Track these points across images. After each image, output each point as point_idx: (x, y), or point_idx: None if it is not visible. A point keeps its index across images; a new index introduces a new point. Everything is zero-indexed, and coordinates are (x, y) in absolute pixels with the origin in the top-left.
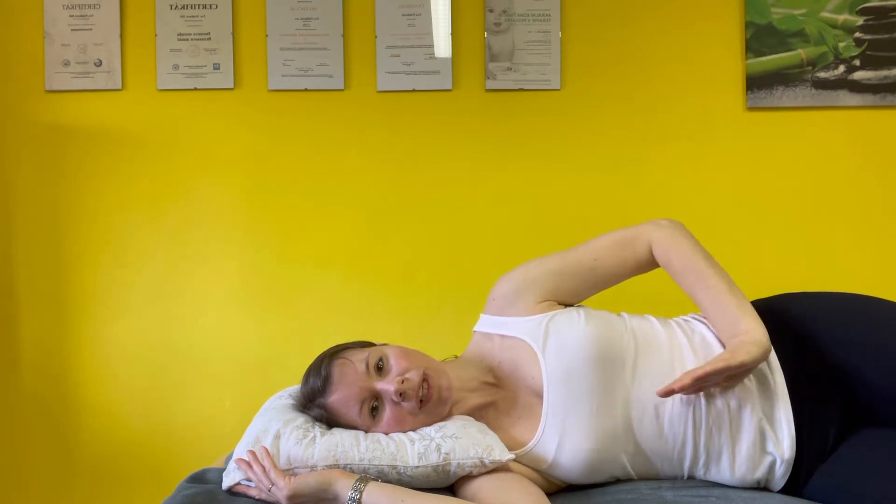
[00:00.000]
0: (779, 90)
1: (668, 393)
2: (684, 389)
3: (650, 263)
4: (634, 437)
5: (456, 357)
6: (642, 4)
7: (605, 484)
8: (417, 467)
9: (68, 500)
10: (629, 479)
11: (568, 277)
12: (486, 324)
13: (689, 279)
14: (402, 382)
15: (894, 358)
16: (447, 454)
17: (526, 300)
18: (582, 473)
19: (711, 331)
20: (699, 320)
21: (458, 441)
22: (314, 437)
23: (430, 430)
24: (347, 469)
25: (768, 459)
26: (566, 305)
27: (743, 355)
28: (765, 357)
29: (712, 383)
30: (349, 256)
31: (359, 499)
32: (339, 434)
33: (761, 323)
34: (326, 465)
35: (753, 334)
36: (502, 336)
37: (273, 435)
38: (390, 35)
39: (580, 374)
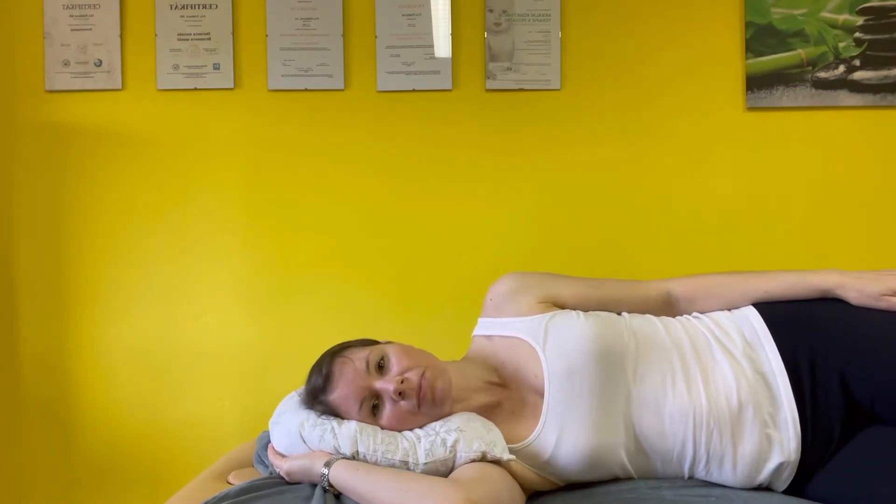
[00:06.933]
0: (779, 90)
1: None
2: None
3: (658, 301)
4: (635, 433)
5: (460, 360)
6: (642, 5)
7: (605, 483)
8: (427, 463)
9: (68, 499)
10: (629, 478)
11: (567, 287)
12: (486, 326)
13: (732, 278)
14: (402, 382)
15: (893, 357)
16: (452, 447)
17: (525, 299)
18: (580, 469)
19: (714, 330)
20: (702, 319)
21: (462, 434)
22: (332, 427)
23: (435, 425)
24: (362, 457)
25: (774, 463)
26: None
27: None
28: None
29: None
30: (349, 256)
31: (328, 473)
32: (357, 422)
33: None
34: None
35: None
36: (503, 337)
37: (297, 430)
38: (390, 35)
39: (581, 370)
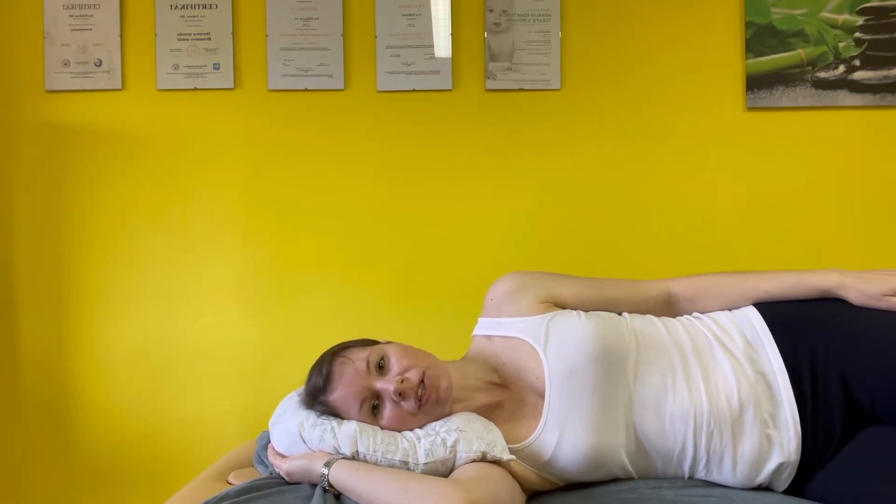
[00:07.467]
0: (779, 90)
1: None
2: None
3: (658, 301)
4: (636, 434)
5: (460, 359)
6: (642, 5)
7: (605, 483)
8: (427, 463)
9: (68, 499)
10: (629, 478)
11: (568, 287)
12: (486, 326)
13: (732, 277)
14: (402, 382)
15: (894, 358)
16: (452, 447)
17: (525, 299)
18: (581, 469)
19: (714, 330)
20: (703, 319)
21: (462, 434)
22: (332, 428)
23: (435, 425)
24: (362, 457)
25: (774, 463)
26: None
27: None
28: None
29: None
30: (349, 256)
31: (328, 473)
32: (357, 423)
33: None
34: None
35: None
36: (503, 337)
37: (297, 430)
38: (390, 35)
39: (582, 371)
